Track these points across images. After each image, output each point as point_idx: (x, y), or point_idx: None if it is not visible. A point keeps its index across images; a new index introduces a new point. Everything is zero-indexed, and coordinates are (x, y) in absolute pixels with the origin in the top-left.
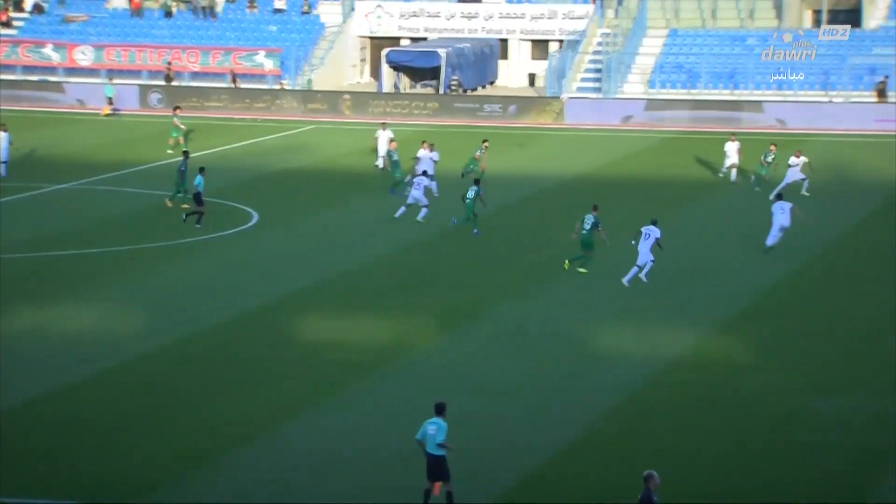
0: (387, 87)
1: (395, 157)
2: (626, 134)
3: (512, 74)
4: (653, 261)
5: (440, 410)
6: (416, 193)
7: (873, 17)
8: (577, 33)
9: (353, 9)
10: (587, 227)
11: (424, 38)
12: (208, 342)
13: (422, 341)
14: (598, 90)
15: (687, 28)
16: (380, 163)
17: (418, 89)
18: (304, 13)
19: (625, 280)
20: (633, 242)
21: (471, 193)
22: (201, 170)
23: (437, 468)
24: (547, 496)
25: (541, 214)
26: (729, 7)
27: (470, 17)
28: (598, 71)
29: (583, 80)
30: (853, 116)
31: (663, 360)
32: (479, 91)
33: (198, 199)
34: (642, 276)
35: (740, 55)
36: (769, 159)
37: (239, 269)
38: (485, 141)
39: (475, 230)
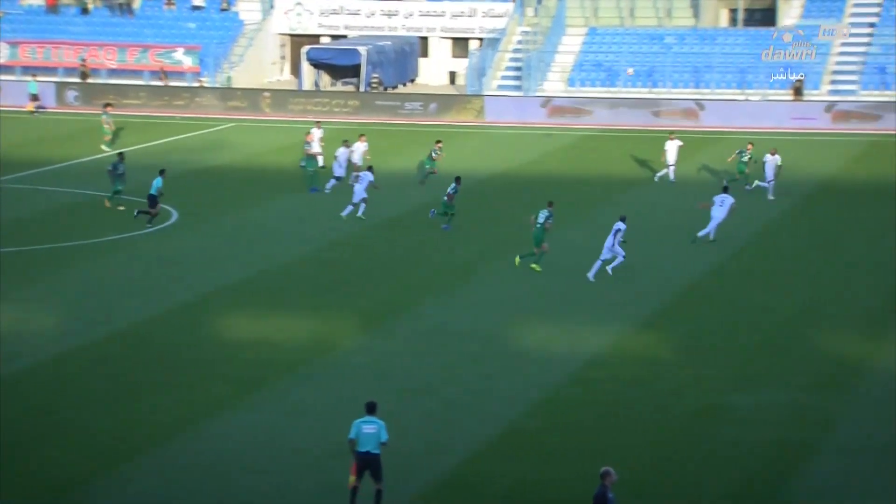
0: (307, 84)
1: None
2: (546, 131)
3: (432, 72)
4: (611, 258)
5: (373, 409)
6: (357, 187)
7: (788, 16)
8: (497, 31)
9: (272, 6)
10: (540, 221)
11: (344, 36)
12: (126, 341)
13: (344, 340)
14: (518, 88)
15: (606, 26)
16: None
17: (339, 87)
18: (222, 10)
19: (608, 269)
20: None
21: (450, 190)
22: (161, 172)
23: (370, 467)
24: (469, 493)
25: (462, 212)
26: (647, 6)
27: (390, 14)
28: (519, 69)
29: (503, 77)
30: (770, 114)
31: (584, 357)
32: (400, 89)
33: (151, 200)
34: (608, 268)
35: (658, 53)
36: (745, 158)
37: (159, 267)
38: (438, 141)
39: (444, 224)
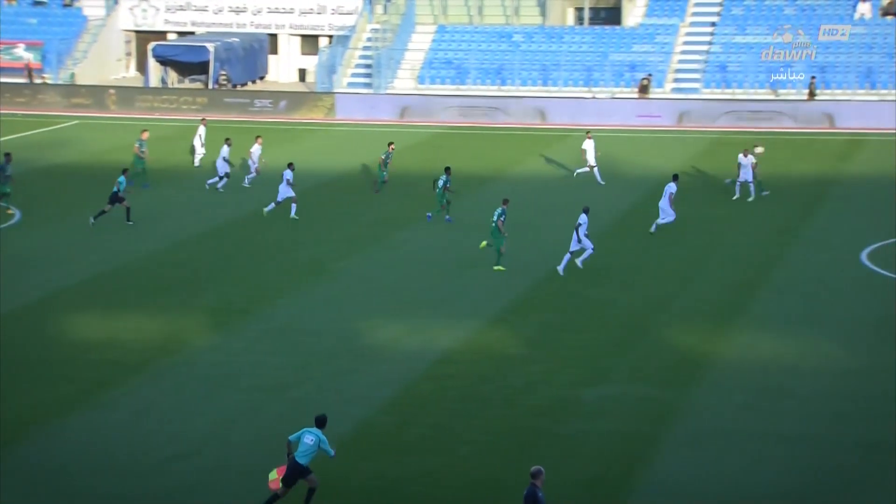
0: (153, 81)
1: (144, 149)
2: (397, 129)
3: (282, 69)
4: (580, 251)
5: (322, 423)
6: (280, 186)
7: (632, 16)
8: (347, 28)
9: (116, 1)
10: (494, 218)
11: (192, 33)
12: None
13: (192, 339)
14: (368, 86)
15: (455, 24)
16: (196, 161)
17: (186, 84)
18: (65, 6)
19: (577, 262)
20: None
21: (440, 183)
22: (125, 171)
23: (296, 476)
24: (325, 491)
25: (315, 210)
26: (495, 4)
27: (238, 11)
28: (369, 66)
29: (353, 75)
30: (616, 112)
31: (436, 354)
32: (250, 86)
33: (111, 197)
34: (577, 262)
35: (506, 51)
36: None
37: (1, 267)
38: (390, 143)
39: (447, 217)
